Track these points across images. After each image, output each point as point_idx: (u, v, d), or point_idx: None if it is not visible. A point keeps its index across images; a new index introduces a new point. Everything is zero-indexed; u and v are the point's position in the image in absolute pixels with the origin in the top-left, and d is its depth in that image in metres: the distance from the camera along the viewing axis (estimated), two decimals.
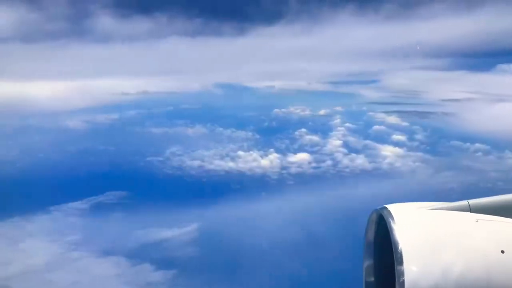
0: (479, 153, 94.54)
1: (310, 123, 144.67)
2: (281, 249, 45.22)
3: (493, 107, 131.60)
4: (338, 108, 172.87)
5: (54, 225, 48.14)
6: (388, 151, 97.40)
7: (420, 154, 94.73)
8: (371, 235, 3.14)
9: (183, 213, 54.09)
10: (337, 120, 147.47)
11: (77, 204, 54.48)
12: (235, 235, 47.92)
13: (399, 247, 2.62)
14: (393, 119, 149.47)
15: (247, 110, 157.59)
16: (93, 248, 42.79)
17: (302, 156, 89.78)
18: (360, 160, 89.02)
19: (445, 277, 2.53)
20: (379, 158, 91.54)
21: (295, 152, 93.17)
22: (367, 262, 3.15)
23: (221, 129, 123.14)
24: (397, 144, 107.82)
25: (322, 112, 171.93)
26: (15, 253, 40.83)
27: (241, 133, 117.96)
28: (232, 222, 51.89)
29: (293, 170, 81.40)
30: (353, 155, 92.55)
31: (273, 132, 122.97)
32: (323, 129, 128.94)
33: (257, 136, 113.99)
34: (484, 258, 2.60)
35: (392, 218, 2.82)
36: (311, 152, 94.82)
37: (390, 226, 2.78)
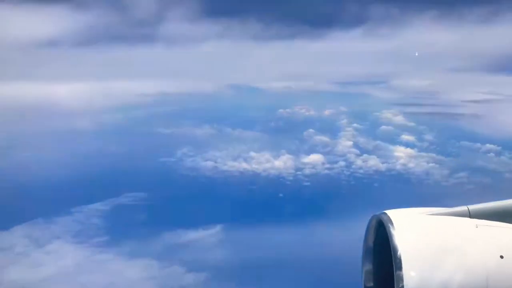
0: (491, 154, 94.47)
1: (317, 123, 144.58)
2: (310, 250, 44.85)
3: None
4: (343, 109, 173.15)
5: (78, 227, 47.66)
6: (400, 152, 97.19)
7: (432, 154, 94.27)
8: (370, 240, 3.13)
9: (204, 214, 53.68)
10: (344, 121, 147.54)
11: (98, 206, 53.97)
12: (261, 236, 47.53)
13: (398, 253, 2.62)
14: (399, 119, 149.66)
15: (252, 111, 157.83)
16: (121, 250, 42.34)
17: (315, 157, 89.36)
18: (373, 161, 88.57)
19: (443, 282, 2.52)
20: (392, 159, 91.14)
21: (307, 153, 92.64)
22: (366, 268, 3.15)
23: (229, 129, 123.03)
24: (407, 144, 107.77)
25: (327, 112, 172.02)
26: (45, 255, 40.37)
27: (249, 134, 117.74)
28: (256, 223, 51.48)
29: (307, 171, 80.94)
30: (365, 156, 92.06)
31: (281, 132, 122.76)
32: (331, 130, 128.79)
33: (266, 137, 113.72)
34: (483, 263, 2.60)
35: (392, 224, 2.81)
36: (322, 153, 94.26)
37: (390, 232, 2.77)
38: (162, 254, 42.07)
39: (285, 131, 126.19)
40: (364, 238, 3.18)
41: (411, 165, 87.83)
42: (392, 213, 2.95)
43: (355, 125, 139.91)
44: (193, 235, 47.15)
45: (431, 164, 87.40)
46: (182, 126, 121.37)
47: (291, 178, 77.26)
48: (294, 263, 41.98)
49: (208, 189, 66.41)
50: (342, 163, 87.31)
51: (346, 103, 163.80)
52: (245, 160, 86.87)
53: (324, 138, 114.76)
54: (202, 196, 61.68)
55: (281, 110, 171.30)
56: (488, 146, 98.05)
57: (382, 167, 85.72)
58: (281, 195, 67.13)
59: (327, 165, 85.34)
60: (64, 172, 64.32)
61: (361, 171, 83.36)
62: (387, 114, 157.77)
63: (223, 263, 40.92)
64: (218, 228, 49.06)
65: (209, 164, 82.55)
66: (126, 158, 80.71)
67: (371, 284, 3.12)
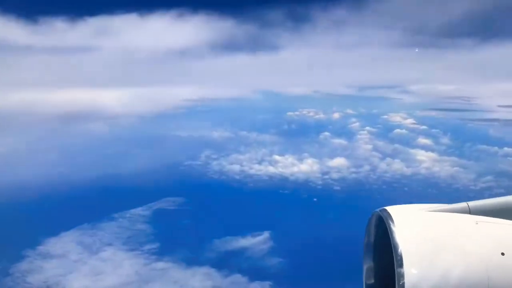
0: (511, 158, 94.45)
1: (330, 126, 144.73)
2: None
3: None
4: (350, 111, 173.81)
5: (126, 233, 46.53)
6: (421, 156, 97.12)
7: (454, 158, 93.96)
8: (371, 237, 3.10)
9: (248, 220, 52.93)
10: (356, 124, 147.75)
11: (139, 211, 52.92)
12: (311, 242, 46.75)
13: (399, 249, 2.60)
14: (411, 122, 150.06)
15: (262, 114, 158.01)
16: (176, 258, 41.30)
17: (339, 161, 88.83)
18: (397, 165, 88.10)
19: (445, 279, 2.50)
20: (415, 163, 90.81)
21: (330, 156, 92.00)
22: (367, 264, 3.13)
23: (244, 132, 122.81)
24: (425, 148, 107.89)
25: (336, 115, 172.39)
26: (102, 263, 39.26)
27: (266, 137, 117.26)
28: (301, 228, 50.71)
29: (335, 175, 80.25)
30: (389, 159, 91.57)
31: (296, 135, 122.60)
32: (346, 133, 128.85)
33: (282, 140, 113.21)
34: (484, 260, 2.58)
35: (392, 220, 2.78)
36: (344, 156, 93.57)
37: (390, 228, 2.74)
38: (218, 262, 41.05)
39: (300, 134, 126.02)
40: (364, 235, 3.14)
41: (435, 169, 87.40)
42: (392, 210, 2.91)
43: (368, 128, 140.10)
44: (243, 242, 46.15)
45: (455, 168, 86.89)
46: (199, 129, 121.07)
47: (320, 182, 76.50)
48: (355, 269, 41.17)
49: (242, 193, 65.49)
50: (367, 167, 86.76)
51: (359, 106, 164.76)
52: (270, 163, 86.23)
53: (342, 142, 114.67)
54: (239, 201, 60.80)
55: (290, 113, 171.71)
56: (506, 149, 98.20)
57: (408, 171, 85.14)
58: (315, 199, 66.36)
59: (353, 169, 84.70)
60: (95, 177, 63.22)
61: (388, 175, 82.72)
62: (396, 117, 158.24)
63: (283, 272, 40.06)
64: (266, 234, 48.14)
65: (235, 167, 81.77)
66: (150, 162, 79.94)
67: (372, 281, 3.09)
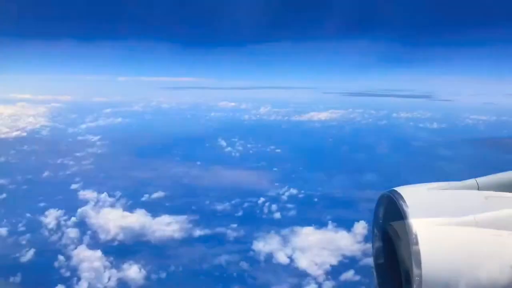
0: None
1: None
2: None
3: None
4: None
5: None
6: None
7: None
8: (380, 217, 3.16)
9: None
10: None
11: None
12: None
13: (414, 229, 2.66)
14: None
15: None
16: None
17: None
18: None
19: (457, 255, 2.58)
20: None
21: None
22: (377, 245, 3.21)
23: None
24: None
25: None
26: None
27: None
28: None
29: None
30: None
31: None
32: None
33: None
34: (495, 235, 2.65)
35: (404, 201, 2.84)
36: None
37: (403, 209, 2.79)
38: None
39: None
40: (373, 216, 3.20)
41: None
42: (402, 190, 2.96)
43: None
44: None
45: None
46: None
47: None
48: None
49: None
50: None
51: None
52: None
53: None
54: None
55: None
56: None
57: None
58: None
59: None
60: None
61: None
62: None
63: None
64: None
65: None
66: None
67: (382, 260, 3.17)
